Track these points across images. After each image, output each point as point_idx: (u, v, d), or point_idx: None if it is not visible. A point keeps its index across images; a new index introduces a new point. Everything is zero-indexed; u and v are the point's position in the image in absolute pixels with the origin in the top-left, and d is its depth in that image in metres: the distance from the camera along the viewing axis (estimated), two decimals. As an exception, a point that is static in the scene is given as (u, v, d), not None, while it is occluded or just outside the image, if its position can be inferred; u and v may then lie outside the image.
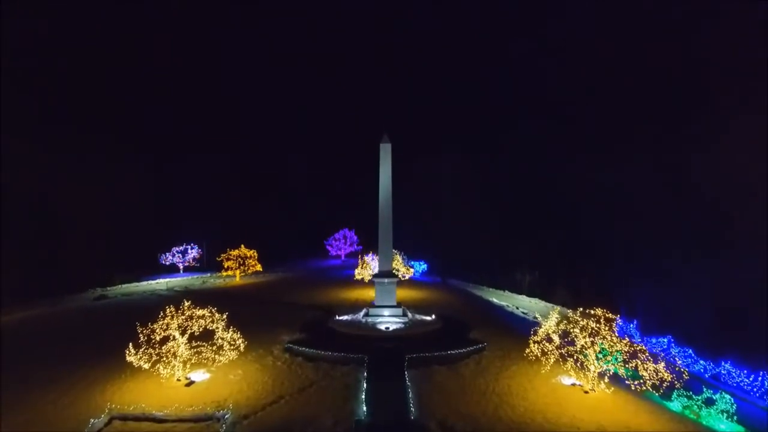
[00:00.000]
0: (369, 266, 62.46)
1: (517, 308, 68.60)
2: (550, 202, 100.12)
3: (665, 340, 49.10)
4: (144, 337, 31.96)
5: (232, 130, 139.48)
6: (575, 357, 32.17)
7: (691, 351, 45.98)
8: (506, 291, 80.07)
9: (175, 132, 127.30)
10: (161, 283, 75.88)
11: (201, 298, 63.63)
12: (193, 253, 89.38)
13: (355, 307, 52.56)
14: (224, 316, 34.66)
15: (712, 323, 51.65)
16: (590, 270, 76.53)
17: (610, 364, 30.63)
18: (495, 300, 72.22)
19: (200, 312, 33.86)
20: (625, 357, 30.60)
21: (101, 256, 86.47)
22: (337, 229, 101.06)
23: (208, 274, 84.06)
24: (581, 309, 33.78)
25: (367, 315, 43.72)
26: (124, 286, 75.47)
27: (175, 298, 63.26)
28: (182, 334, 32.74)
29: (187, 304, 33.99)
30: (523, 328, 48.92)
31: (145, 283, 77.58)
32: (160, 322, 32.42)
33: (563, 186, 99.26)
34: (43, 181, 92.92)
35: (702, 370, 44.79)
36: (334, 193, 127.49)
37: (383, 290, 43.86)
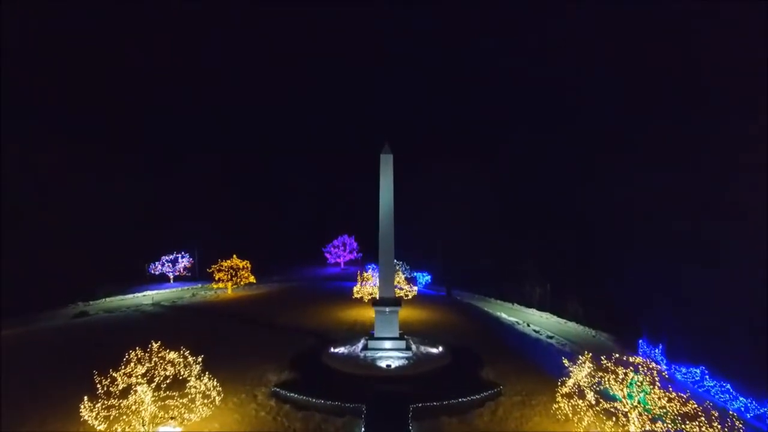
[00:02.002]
0: (369, 281, 57.51)
1: (528, 325, 63.90)
2: (562, 211, 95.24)
3: (698, 371, 44.27)
4: (103, 388, 27.15)
5: (227, 132, 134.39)
6: (614, 416, 27.11)
7: (729, 386, 41.22)
8: (515, 304, 75.41)
9: (168, 135, 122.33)
10: (148, 297, 71.18)
11: (186, 316, 59.49)
12: (184, 261, 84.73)
13: (353, 332, 47.77)
14: (199, 359, 29.85)
15: (752, 351, 46.73)
16: (605, 285, 71.64)
17: (657, 425, 25.66)
18: (504, 315, 67.50)
19: (171, 355, 29.04)
20: (675, 416, 25.58)
21: (86, 265, 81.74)
22: (336, 236, 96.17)
23: (199, 285, 79.38)
24: (616, 356, 28.76)
25: (365, 348, 38.80)
26: (108, 299, 70.83)
27: (159, 316, 58.67)
28: (149, 382, 27.93)
29: (155, 345, 29.19)
30: (542, 359, 44.04)
31: (131, 296, 72.94)
32: (122, 371, 27.59)
33: (577, 195, 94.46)
34: (24, 182, 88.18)
35: (743, 409, 40.07)
36: (334, 197, 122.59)
37: (384, 320, 38.97)
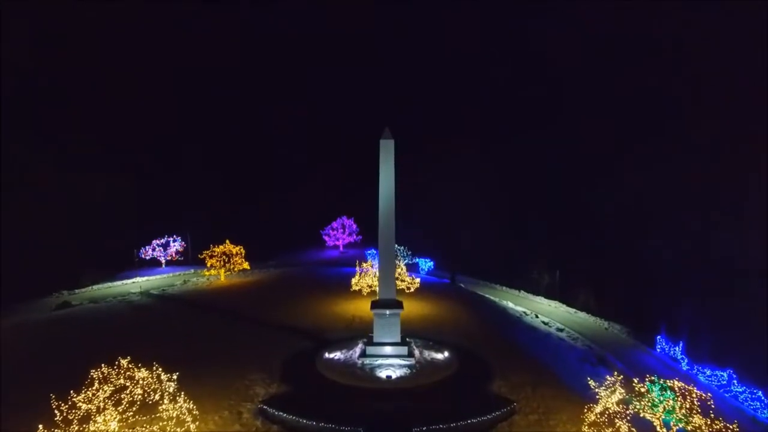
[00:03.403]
0: (368, 268, 53.77)
1: (537, 316, 60.56)
2: (573, 194, 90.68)
3: (725, 374, 40.87)
4: (60, 415, 23.69)
5: (219, 112, 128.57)
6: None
7: (760, 393, 37.87)
8: (521, 291, 71.99)
9: (157, 116, 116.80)
10: (137, 284, 67.74)
11: (174, 308, 55.79)
12: (176, 246, 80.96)
13: (350, 330, 44.34)
14: (174, 377, 26.33)
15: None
16: (620, 274, 67.93)
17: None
18: (511, 305, 64.14)
19: (141, 374, 25.51)
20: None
21: (73, 251, 78.17)
22: (334, 217, 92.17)
23: (192, 270, 75.85)
24: (650, 378, 25.14)
25: (364, 354, 35.23)
26: (95, 287, 67.49)
27: (145, 309, 55.29)
28: (116, 405, 24.47)
29: (124, 362, 25.65)
30: (557, 363, 40.54)
31: (119, 282, 69.56)
32: (85, 393, 24.09)
33: (588, 178, 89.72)
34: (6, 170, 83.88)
35: (775, 419, 36.84)
36: (333, 177, 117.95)
37: (384, 323, 35.31)
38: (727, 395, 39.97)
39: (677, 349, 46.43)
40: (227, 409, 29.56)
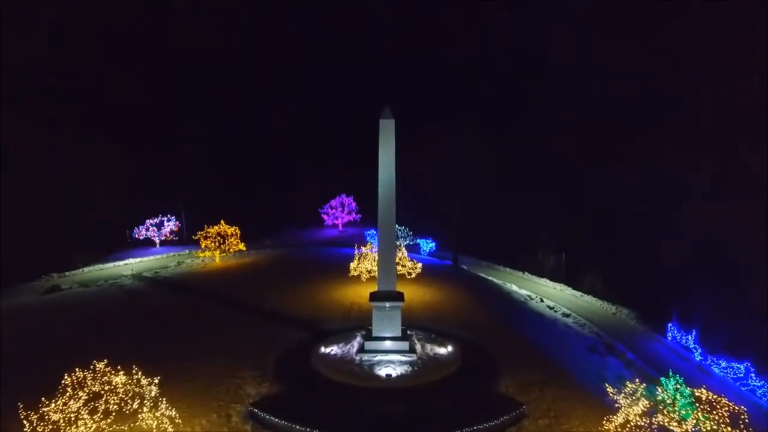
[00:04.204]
0: (368, 256, 51.48)
1: (542, 300, 58.67)
2: (579, 169, 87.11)
3: (741, 366, 38.96)
4: (29, 426, 21.72)
5: (213, 84, 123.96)
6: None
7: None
8: (526, 273, 70.00)
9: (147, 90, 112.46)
10: (130, 266, 65.69)
11: (167, 293, 53.46)
12: (170, 225, 78.66)
13: (348, 319, 42.35)
14: (155, 381, 24.30)
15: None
16: (629, 257, 65.53)
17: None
18: (515, 288, 62.19)
19: (119, 378, 23.47)
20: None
21: (63, 231, 75.89)
22: (333, 196, 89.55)
23: (187, 251, 73.71)
24: (677, 386, 23.05)
25: (362, 350, 33.12)
26: (86, 269, 65.53)
27: (137, 294, 53.40)
28: (91, 413, 22.48)
29: (100, 365, 23.62)
30: (565, 355, 38.62)
31: (112, 264, 67.58)
32: (54, 404, 22.06)
33: (596, 150, 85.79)
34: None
35: (796, 416, 35.07)
36: (332, 154, 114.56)
37: (384, 317, 33.10)
38: (744, 389, 38.16)
39: (690, 338, 44.49)
40: (216, 411, 27.61)
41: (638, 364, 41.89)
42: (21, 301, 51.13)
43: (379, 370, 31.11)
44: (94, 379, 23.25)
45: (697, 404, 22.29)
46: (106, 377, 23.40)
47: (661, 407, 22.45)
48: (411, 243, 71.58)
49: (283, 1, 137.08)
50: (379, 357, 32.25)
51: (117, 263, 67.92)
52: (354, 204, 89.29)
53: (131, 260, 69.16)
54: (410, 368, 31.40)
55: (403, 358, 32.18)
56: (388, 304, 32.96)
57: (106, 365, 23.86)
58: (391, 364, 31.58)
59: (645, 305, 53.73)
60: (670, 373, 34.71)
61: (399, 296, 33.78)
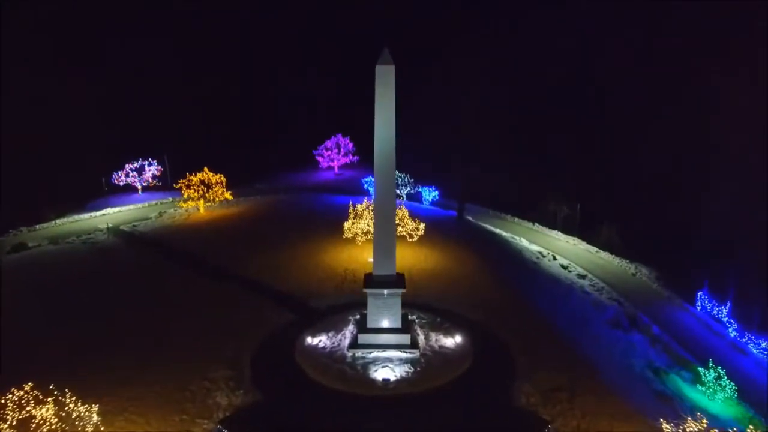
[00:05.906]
0: (364, 215, 45.63)
1: (555, 258, 53.78)
2: (601, 114, 79.06)
3: (784, 349, 34.50)
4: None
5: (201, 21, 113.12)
6: None
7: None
8: (536, 224, 64.51)
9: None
10: (107, 217, 60.37)
11: (141, 253, 47.95)
12: (152, 170, 72.55)
13: (341, 292, 37.48)
14: (95, 408, 19.56)
15: None
16: (652, 212, 59.54)
17: None
18: (525, 243, 57.09)
19: (45, 410, 18.69)
20: None
21: (36, 178, 69.98)
22: (328, 136, 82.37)
23: (170, 198, 68.05)
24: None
25: (355, 344, 28.20)
26: (59, 221, 60.18)
27: (108, 253, 48.55)
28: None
29: (28, 386, 18.82)
30: (591, 340, 33.98)
31: (88, 215, 62.14)
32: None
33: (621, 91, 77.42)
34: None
35: None
36: (328, 93, 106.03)
37: (381, 306, 27.83)
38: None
39: (724, 310, 39.80)
40: (177, 426, 23.11)
41: (665, 339, 37.63)
42: (-18, 262, 46.27)
43: (375, 371, 26.37)
44: (19, 406, 18.57)
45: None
46: (30, 407, 18.66)
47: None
48: (412, 191, 65.73)
49: None
50: (375, 353, 27.46)
51: (94, 213, 62.50)
52: (351, 144, 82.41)
53: (110, 210, 63.73)
54: (412, 369, 26.63)
55: (404, 355, 27.39)
56: (386, 292, 27.63)
57: (33, 388, 19.09)
58: (390, 363, 26.85)
59: (669, 266, 48.70)
60: (711, 364, 30.01)
61: (399, 281, 28.35)
